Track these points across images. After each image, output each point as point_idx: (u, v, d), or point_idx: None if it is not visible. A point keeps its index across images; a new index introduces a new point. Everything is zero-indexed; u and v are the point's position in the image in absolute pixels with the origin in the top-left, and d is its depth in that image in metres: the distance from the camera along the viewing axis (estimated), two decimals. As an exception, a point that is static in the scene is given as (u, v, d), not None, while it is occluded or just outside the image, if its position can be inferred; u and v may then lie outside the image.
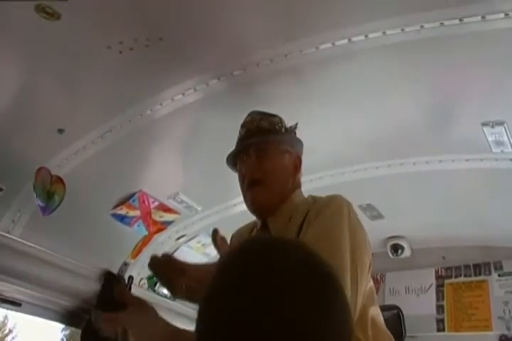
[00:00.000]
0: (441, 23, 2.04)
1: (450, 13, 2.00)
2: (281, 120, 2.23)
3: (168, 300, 3.79)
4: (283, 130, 2.18)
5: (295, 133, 2.26)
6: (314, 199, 1.95)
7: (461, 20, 2.01)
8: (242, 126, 2.21)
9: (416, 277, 4.37)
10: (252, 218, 2.31)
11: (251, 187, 2.01)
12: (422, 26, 2.07)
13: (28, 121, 2.52)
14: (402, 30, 2.10)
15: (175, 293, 1.67)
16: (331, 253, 1.67)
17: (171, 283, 1.65)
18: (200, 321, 0.99)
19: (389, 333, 1.90)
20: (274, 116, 2.27)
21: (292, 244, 1.13)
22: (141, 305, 1.65)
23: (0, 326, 21.49)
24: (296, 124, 2.28)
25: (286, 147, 2.11)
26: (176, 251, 3.73)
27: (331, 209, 1.82)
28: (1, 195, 2.69)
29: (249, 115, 2.26)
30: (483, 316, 3.97)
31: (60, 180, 2.72)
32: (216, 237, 1.68)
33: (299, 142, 2.21)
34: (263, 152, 2.05)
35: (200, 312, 1.00)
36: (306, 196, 2.05)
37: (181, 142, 2.96)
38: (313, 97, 2.48)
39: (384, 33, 2.13)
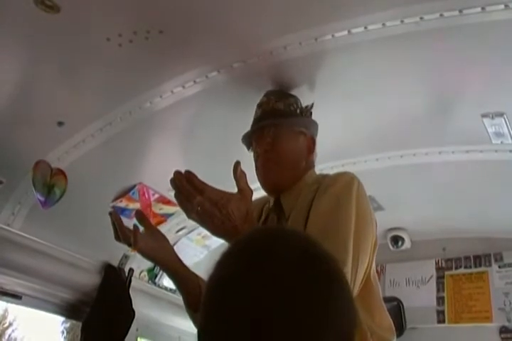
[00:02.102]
0: (441, 15, 2.03)
1: (450, 4, 2.00)
2: (296, 101, 2.27)
3: (168, 293, 3.80)
4: (298, 111, 2.23)
5: (311, 113, 2.28)
6: (324, 176, 1.99)
7: (460, 11, 2.00)
8: (259, 106, 2.27)
9: (416, 269, 4.38)
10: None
11: (263, 167, 2.07)
12: (421, 18, 2.06)
13: (27, 114, 2.52)
14: (402, 21, 2.09)
15: (189, 213, 1.64)
16: (335, 230, 1.72)
17: (188, 200, 1.61)
18: (202, 309, 1.00)
19: (390, 319, 1.93)
20: (290, 96, 2.31)
21: (295, 234, 1.13)
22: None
23: (0, 319, 21.58)
24: (312, 104, 2.29)
25: (300, 129, 2.16)
26: (176, 243, 3.73)
27: (339, 184, 1.88)
28: (0, 188, 2.69)
29: (265, 95, 2.30)
30: (483, 307, 3.98)
31: (61, 172, 2.72)
32: (237, 169, 1.66)
33: (314, 123, 2.25)
34: (277, 134, 2.11)
35: (203, 299, 1.01)
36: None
37: (181, 134, 2.96)
38: (312, 89, 2.48)
39: (383, 24, 2.12)
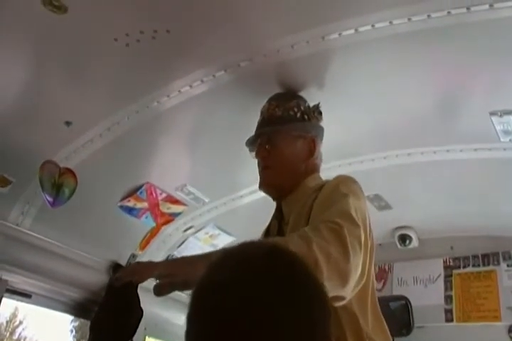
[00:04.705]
0: (449, 12, 2.03)
1: (457, 1, 1.99)
2: (299, 103, 2.29)
3: (176, 292, 3.80)
4: (298, 115, 2.24)
5: (320, 113, 2.29)
6: (325, 182, 2.02)
7: (468, 8, 2.00)
8: (261, 112, 2.31)
9: (424, 267, 4.36)
10: (258, 210, 2.34)
11: (262, 173, 2.14)
12: (428, 15, 2.06)
13: (36, 114, 2.53)
14: (409, 19, 2.09)
15: None
16: (334, 202, 1.74)
17: None
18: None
19: (386, 327, 1.90)
20: (293, 99, 2.31)
21: (262, 245, 1.19)
22: None
23: (11, 317, 21.71)
24: (318, 104, 2.30)
25: (298, 133, 2.19)
26: (183, 242, 3.74)
27: (334, 181, 1.93)
28: (10, 188, 2.70)
29: (268, 100, 2.34)
30: (491, 306, 3.96)
31: (69, 171, 2.73)
32: None
33: (314, 126, 2.26)
34: (272, 141, 2.17)
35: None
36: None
37: (189, 134, 2.97)
38: (320, 88, 2.48)
39: (391, 22, 2.12)
